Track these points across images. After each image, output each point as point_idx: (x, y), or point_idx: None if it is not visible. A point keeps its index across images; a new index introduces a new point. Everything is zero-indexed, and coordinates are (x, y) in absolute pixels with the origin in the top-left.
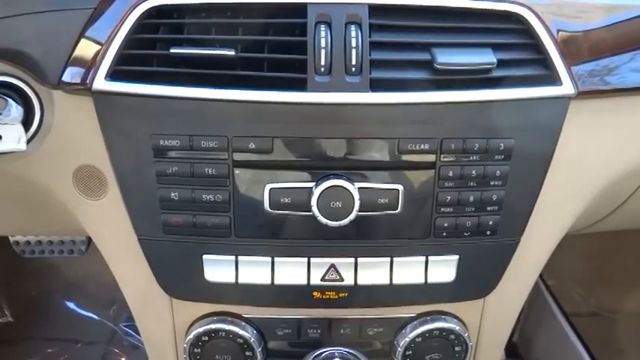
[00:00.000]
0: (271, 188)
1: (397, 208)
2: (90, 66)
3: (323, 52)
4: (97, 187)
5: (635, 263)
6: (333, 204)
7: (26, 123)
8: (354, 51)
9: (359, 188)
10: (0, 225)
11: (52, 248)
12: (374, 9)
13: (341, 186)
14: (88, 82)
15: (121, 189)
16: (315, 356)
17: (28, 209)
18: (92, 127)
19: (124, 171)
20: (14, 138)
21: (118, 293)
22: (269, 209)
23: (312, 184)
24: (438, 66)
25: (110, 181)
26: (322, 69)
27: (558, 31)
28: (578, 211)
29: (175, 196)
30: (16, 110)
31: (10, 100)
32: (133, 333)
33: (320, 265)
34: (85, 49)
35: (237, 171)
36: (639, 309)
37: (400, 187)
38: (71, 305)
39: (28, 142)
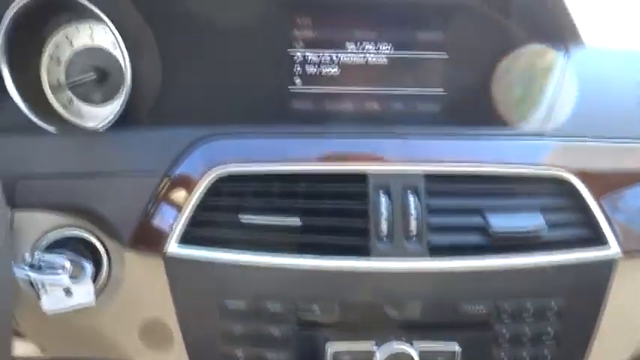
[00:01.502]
0: (335, 351)
1: None
2: (163, 230)
3: (384, 219)
4: (162, 340)
5: None
6: None
7: (95, 276)
8: (412, 218)
9: (418, 350)
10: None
11: None
12: (430, 176)
13: (403, 352)
14: (161, 246)
15: (186, 344)
16: None
17: (91, 351)
18: (161, 285)
19: (190, 328)
20: (84, 293)
21: None
22: None
23: (373, 346)
24: (492, 231)
25: (176, 336)
26: (383, 235)
27: (604, 193)
28: (627, 357)
29: (240, 354)
30: (89, 270)
31: (87, 264)
32: None
33: None
34: (158, 213)
35: (301, 332)
36: None
37: (457, 347)
38: None
39: (97, 294)
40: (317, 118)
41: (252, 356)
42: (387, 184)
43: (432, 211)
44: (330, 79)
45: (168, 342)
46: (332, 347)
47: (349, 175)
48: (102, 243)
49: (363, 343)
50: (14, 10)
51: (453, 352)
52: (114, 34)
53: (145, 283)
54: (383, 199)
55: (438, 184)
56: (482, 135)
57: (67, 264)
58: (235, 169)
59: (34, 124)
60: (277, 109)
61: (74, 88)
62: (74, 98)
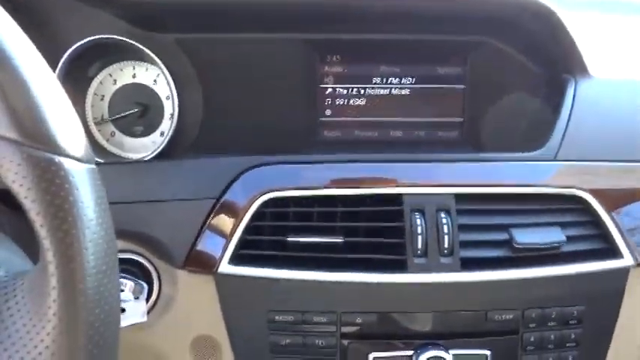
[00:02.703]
0: (375, 357)
1: None
2: (214, 252)
3: (420, 237)
4: (211, 354)
5: None
6: None
7: (147, 295)
8: (446, 236)
9: (453, 355)
10: None
11: None
12: (459, 196)
13: (439, 357)
14: (212, 267)
15: (235, 357)
16: None
17: None
18: (211, 302)
19: (239, 341)
20: (137, 312)
21: None
22: None
23: (411, 353)
24: (517, 245)
25: (225, 350)
26: (419, 251)
27: (616, 209)
28: None
29: None
30: (146, 290)
31: (144, 284)
32: None
33: None
34: (210, 236)
35: (344, 342)
36: None
37: (488, 352)
38: None
39: (148, 312)
40: (345, 145)
41: None
42: (421, 204)
43: (462, 228)
44: (358, 110)
45: (217, 356)
46: (373, 355)
47: (385, 197)
48: (151, 264)
49: (401, 351)
50: (70, 52)
51: (484, 357)
52: (163, 72)
53: (195, 300)
54: (418, 219)
55: (466, 203)
56: (504, 159)
57: (129, 283)
58: (281, 194)
59: None
60: (309, 137)
61: (116, 121)
62: (116, 131)
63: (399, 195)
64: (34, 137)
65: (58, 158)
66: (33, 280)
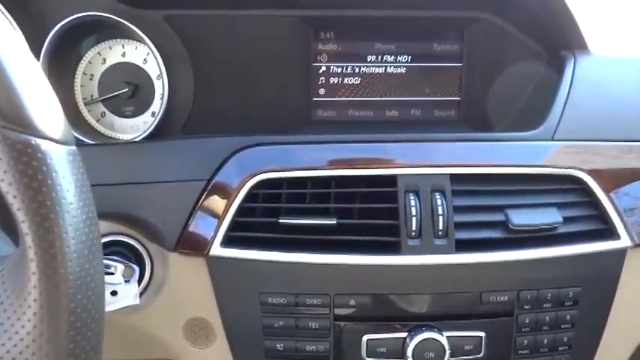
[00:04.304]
0: (368, 339)
1: (480, 353)
2: (206, 234)
3: (414, 218)
4: (204, 336)
5: None
6: (426, 354)
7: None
8: (440, 217)
9: (447, 337)
10: None
11: None
12: (454, 177)
13: (433, 338)
14: (204, 249)
15: (228, 339)
16: None
17: (130, 351)
18: (204, 284)
19: (232, 324)
20: (129, 294)
21: None
22: (366, 358)
23: (405, 334)
24: (512, 227)
25: (218, 332)
26: (413, 233)
27: (614, 190)
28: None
29: (280, 347)
30: (137, 272)
31: (135, 266)
32: None
33: None
34: (201, 218)
35: (338, 324)
36: None
37: (483, 334)
38: None
39: (140, 295)
40: (340, 125)
41: (292, 349)
42: (415, 185)
43: (458, 209)
44: (352, 89)
45: (211, 338)
46: (366, 337)
47: (379, 178)
48: (143, 246)
49: (395, 333)
50: (57, 30)
51: (480, 338)
52: (152, 51)
53: (187, 282)
54: (412, 200)
55: (462, 184)
56: (500, 138)
57: (119, 266)
58: (274, 175)
59: None
60: (303, 117)
61: (106, 102)
62: (106, 111)
63: (394, 176)
64: (10, 119)
65: (35, 140)
66: (13, 264)
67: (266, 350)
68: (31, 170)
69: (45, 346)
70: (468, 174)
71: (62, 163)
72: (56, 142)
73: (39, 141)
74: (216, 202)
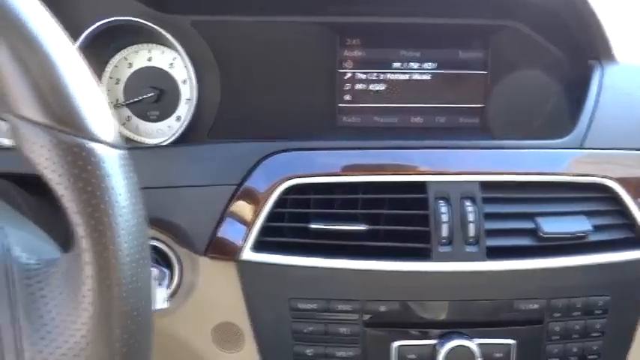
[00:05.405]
0: (398, 345)
1: None
2: (236, 239)
3: (445, 225)
4: (234, 341)
5: None
6: None
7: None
8: (471, 224)
9: (478, 344)
10: None
11: None
12: (484, 184)
13: (464, 345)
14: (234, 254)
15: (257, 344)
16: None
17: (159, 356)
18: (233, 289)
19: (262, 329)
20: (158, 298)
21: None
22: None
23: (435, 341)
24: (543, 234)
25: (247, 337)
26: (444, 240)
27: None
28: None
29: (310, 352)
30: (167, 276)
31: (166, 270)
32: None
33: None
34: (231, 222)
35: (367, 330)
36: None
37: (513, 342)
38: None
39: (169, 299)
40: (364, 131)
41: (322, 354)
42: (446, 192)
43: (488, 216)
44: (377, 95)
45: (240, 343)
46: (396, 344)
47: (408, 184)
48: (172, 250)
49: (425, 340)
50: (86, 34)
51: (510, 346)
52: (181, 56)
53: (217, 287)
54: (443, 207)
55: (492, 191)
56: (529, 146)
57: (153, 270)
58: (304, 181)
59: None
60: (328, 123)
61: (132, 106)
62: (132, 115)
63: (424, 182)
64: (65, 122)
65: (89, 143)
66: (67, 268)
67: (295, 355)
68: (86, 174)
69: (99, 349)
70: (498, 181)
71: (115, 167)
72: (110, 145)
73: (93, 144)
74: (246, 207)
